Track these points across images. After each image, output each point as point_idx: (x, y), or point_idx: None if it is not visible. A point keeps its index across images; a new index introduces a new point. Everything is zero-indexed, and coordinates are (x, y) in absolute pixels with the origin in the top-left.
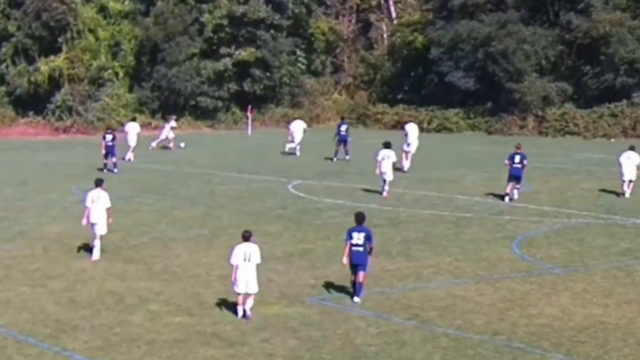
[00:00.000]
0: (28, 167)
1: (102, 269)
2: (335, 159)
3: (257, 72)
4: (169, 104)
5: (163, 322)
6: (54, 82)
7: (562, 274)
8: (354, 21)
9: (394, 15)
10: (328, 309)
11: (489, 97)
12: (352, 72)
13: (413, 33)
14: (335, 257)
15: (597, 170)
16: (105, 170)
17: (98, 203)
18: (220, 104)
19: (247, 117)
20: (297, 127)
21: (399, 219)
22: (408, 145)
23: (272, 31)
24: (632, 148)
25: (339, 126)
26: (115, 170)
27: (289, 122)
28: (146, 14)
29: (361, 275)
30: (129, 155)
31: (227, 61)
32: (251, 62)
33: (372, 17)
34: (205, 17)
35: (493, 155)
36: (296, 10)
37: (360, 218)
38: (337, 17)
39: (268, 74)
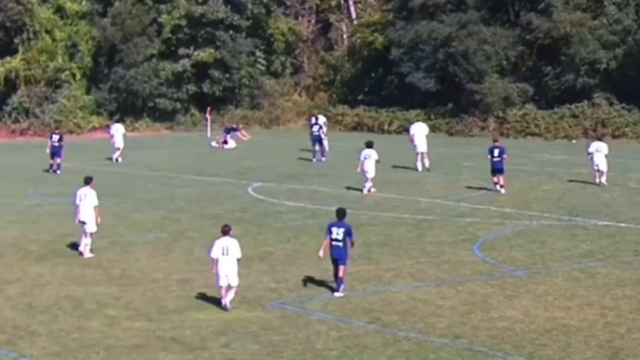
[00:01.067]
0: None
1: (60, 273)
2: (315, 160)
3: (216, 73)
4: (127, 106)
5: (122, 327)
6: (10, 84)
7: (523, 277)
8: (313, 22)
9: (353, 15)
10: (289, 313)
11: (449, 98)
12: (312, 73)
13: (373, 34)
14: (296, 260)
15: (559, 171)
16: (50, 171)
17: (85, 201)
18: (179, 105)
19: (207, 119)
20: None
21: (360, 221)
22: (420, 146)
23: (231, 32)
24: (599, 139)
25: (311, 126)
26: (59, 172)
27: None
28: (103, 14)
29: (341, 269)
30: (116, 155)
31: (186, 62)
32: (210, 63)
33: (332, 18)
34: (164, 18)
35: (454, 157)
36: (255, 11)
37: (341, 213)
38: (296, 18)
39: (227, 75)
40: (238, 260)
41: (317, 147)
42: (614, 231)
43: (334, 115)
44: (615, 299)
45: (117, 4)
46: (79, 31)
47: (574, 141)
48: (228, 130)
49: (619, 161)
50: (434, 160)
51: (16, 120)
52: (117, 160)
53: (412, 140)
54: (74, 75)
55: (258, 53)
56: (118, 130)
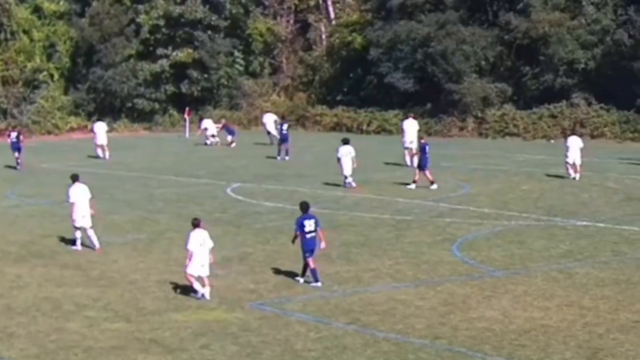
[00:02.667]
0: None
1: (38, 274)
2: (279, 158)
3: (194, 74)
4: (105, 106)
5: (101, 329)
6: None
7: (502, 277)
8: (292, 22)
9: (332, 15)
10: (268, 314)
11: (428, 98)
12: (291, 73)
13: (352, 34)
14: (275, 261)
15: (537, 171)
16: (18, 167)
17: (83, 196)
18: (157, 106)
19: (185, 119)
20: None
21: (339, 222)
22: (411, 142)
23: (209, 32)
24: (575, 133)
25: (281, 125)
26: (19, 167)
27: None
28: (81, 14)
29: (312, 260)
30: (104, 154)
31: (164, 62)
32: (188, 63)
33: (311, 18)
34: (142, 18)
35: (433, 157)
36: (234, 11)
37: (306, 206)
38: (275, 18)
39: (205, 76)
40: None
41: (283, 146)
42: (592, 231)
43: (313, 115)
44: (594, 299)
45: (95, 4)
46: (57, 31)
47: (552, 141)
48: (229, 130)
49: (597, 161)
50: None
51: None
52: (104, 157)
53: (403, 135)
54: (51, 76)
55: (236, 53)
56: (101, 128)
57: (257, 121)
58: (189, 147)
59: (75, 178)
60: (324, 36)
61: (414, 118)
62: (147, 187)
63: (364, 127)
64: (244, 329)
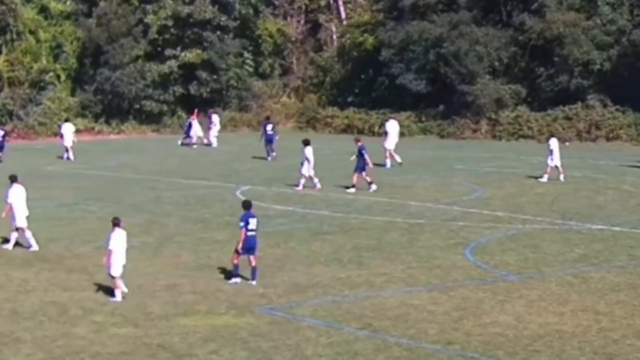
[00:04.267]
0: None
1: (45, 279)
2: (269, 159)
3: (203, 75)
4: (112, 108)
5: (108, 334)
6: None
7: (516, 281)
8: (302, 22)
9: (343, 16)
10: (278, 319)
11: (441, 99)
12: (301, 74)
13: (363, 34)
14: (285, 265)
15: (552, 174)
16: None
17: (21, 197)
18: (165, 107)
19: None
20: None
21: (350, 225)
22: (392, 143)
23: (218, 32)
24: (553, 136)
25: (265, 126)
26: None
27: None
28: (88, 14)
29: (254, 259)
30: (69, 155)
31: (173, 63)
32: (197, 64)
33: (322, 18)
34: (150, 18)
35: (445, 160)
36: (243, 11)
37: (249, 204)
38: (285, 18)
39: (215, 77)
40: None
41: (270, 147)
42: (608, 235)
43: (324, 117)
44: (610, 304)
45: (102, 4)
46: (64, 32)
47: (567, 144)
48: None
49: (613, 164)
50: (426, 163)
51: None
52: (68, 158)
53: (386, 137)
54: (58, 77)
55: (246, 54)
56: (68, 129)
57: None
58: (198, 149)
59: (13, 179)
60: (334, 37)
61: (395, 119)
62: (155, 190)
63: (376, 129)
64: (254, 334)
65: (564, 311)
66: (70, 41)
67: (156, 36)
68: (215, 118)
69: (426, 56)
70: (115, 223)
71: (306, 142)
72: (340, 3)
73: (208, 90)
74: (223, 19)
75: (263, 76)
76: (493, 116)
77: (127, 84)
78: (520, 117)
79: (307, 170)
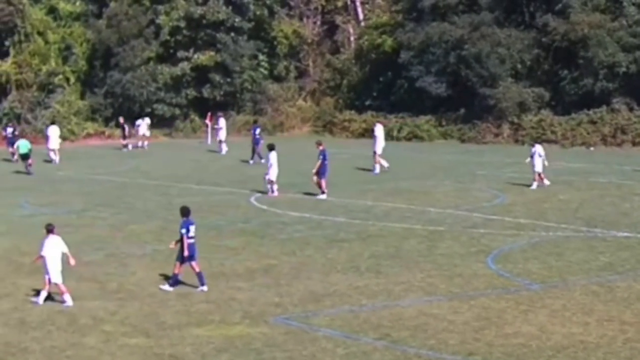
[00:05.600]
0: None
1: (54, 287)
2: (252, 162)
3: (216, 78)
4: (123, 111)
5: (118, 344)
6: (1, 89)
7: (539, 290)
8: (319, 23)
9: (361, 17)
10: (293, 329)
11: (461, 103)
12: (318, 77)
13: (381, 36)
14: (301, 273)
15: (576, 180)
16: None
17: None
18: (177, 111)
19: (207, 125)
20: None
21: (368, 232)
22: (380, 147)
23: (232, 34)
24: (538, 142)
25: (253, 130)
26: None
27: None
28: (99, 15)
29: (197, 265)
30: (55, 158)
31: (185, 66)
32: (210, 66)
33: (338, 19)
34: (162, 19)
35: (466, 165)
36: (258, 12)
37: (188, 210)
38: (301, 19)
39: (228, 80)
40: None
41: (257, 150)
42: (634, 242)
43: (341, 121)
44: (636, 314)
45: (112, 4)
46: (73, 33)
47: (592, 148)
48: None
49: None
50: (446, 168)
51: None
52: (55, 162)
53: (375, 139)
54: (67, 80)
55: (261, 56)
56: (54, 131)
57: (283, 127)
58: (211, 154)
59: (50, 229)
60: (352, 38)
61: (382, 124)
62: (167, 196)
63: (395, 134)
64: (269, 345)
65: (589, 321)
66: (79, 43)
67: (168, 38)
68: (221, 122)
69: (446, 58)
70: (49, 229)
71: (271, 147)
72: (358, 4)
73: (221, 93)
74: (237, 20)
75: (278, 79)
76: (515, 120)
77: (138, 86)
78: (544, 121)
79: (273, 174)
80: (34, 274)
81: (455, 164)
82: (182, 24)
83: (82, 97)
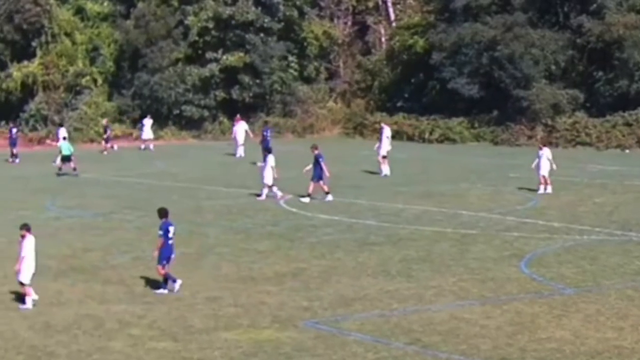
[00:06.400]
0: (0, 181)
1: (80, 291)
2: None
3: (246, 79)
4: (151, 113)
5: (145, 348)
6: (28, 90)
7: (573, 295)
8: (349, 24)
9: (392, 17)
10: (323, 333)
11: (494, 105)
12: (348, 78)
13: (413, 36)
14: (331, 277)
15: (611, 183)
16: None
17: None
18: (206, 113)
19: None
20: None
21: (399, 236)
22: (386, 149)
23: (262, 35)
24: (545, 145)
25: (265, 131)
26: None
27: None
28: (126, 16)
29: (169, 267)
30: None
31: (214, 67)
32: (239, 67)
33: (370, 20)
34: (190, 20)
35: (499, 168)
36: (288, 13)
37: (166, 212)
38: (331, 20)
39: (258, 81)
40: None
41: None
42: None
43: (372, 123)
44: None
45: (140, 5)
46: (101, 34)
47: (627, 151)
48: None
49: None
50: (478, 171)
51: (34, 128)
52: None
53: (380, 142)
54: (95, 81)
55: (290, 57)
56: (63, 134)
57: (313, 129)
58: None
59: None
60: (383, 39)
61: (387, 125)
62: (195, 199)
63: (426, 136)
64: (298, 349)
65: (624, 326)
66: (107, 44)
67: (197, 38)
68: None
69: (479, 59)
70: (27, 229)
71: (269, 150)
72: (390, 4)
73: (251, 94)
74: (266, 20)
75: (308, 80)
76: (549, 122)
77: (167, 88)
78: (578, 123)
79: (269, 178)
80: (60, 277)
81: (488, 166)
82: (211, 24)
83: (110, 98)
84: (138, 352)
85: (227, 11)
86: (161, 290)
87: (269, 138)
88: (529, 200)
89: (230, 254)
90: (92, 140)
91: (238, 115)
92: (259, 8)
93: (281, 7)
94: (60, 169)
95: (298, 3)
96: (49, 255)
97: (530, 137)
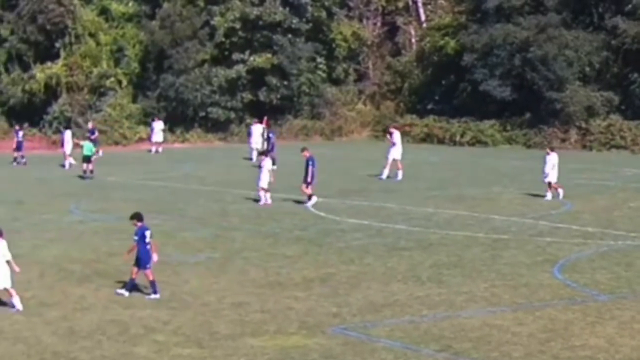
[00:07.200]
0: (22, 184)
1: (104, 296)
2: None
3: (273, 80)
4: (176, 115)
5: (171, 354)
6: (51, 91)
7: (608, 301)
8: (379, 25)
9: (423, 18)
10: (352, 340)
11: (527, 107)
12: (378, 80)
13: (444, 37)
14: (360, 282)
15: None
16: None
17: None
18: (232, 115)
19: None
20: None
21: (429, 241)
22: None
23: (289, 35)
24: (552, 149)
25: (270, 134)
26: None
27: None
28: (152, 16)
29: (151, 272)
30: (72, 162)
31: (241, 68)
32: (267, 69)
33: (399, 21)
34: (216, 20)
35: (532, 171)
36: (316, 14)
37: (141, 216)
38: (360, 21)
39: (285, 82)
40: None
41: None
42: None
43: (402, 125)
44: None
45: (166, 5)
46: (125, 34)
47: None
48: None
49: None
50: (511, 174)
51: (57, 131)
52: (67, 165)
53: (393, 145)
54: (119, 82)
55: (319, 59)
56: (69, 136)
57: (341, 132)
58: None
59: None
60: (413, 40)
61: (397, 128)
62: (221, 202)
63: (457, 139)
64: (326, 356)
65: None
66: (132, 44)
67: (223, 39)
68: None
69: (511, 61)
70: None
71: (264, 152)
72: (420, 4)
73: (278, 96)
74: (294, 21)
75: (337, 82)
76: (583, 125)
77: (192, 90)
78: (613, 126)
79: (265, 182)
80: (84, 282)
81: (521, 170)
82: (238, 25)
83: (134, 100)
84: (163, 358)
85: (254, 11)
86: (122, 291)
87: (273, 140)
88: (562, 205)
89: (258, 259)
90: (116, 143)
91: (265, 118)
92: (287, 8)
93: (309, 8)
94: (85, 171)
95: (326, 3)
96: (73, 260)
97: (563, 140)
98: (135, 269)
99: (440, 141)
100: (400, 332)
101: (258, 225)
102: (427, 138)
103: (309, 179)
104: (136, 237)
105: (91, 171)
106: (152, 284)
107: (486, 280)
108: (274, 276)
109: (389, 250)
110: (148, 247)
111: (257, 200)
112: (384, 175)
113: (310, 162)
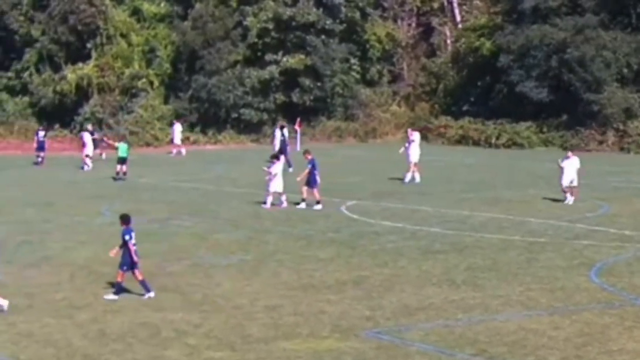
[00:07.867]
0: (53, 186)
1: (135, 298)
2: (291, 169)
3: (306, 82)
4: (209, 116)
5: (202, 358)
6: (82, 92)
7: None
8: (414, 25)
9: (458, 19)
10: (385, 344)
11: (564, 109)
12: (412, 81)
13: (480, 38)
14: (394, 285)
15: None
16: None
17: None
18: (265, 116)
19: (296, 131)
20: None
21: (464, 244)
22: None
23: (323, 36)
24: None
25: (283, 136)
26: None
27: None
28: (184, 17)
29: (140, 272)
30: (90, 164)
31: (274, 69)
32: (300, 70)
33: (434, 21)
34: (249, 21)
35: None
36: (349, 14)
37: (128, 218)
38: (395, 22)
39: (319, 84)
40: None
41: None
42: None
43: (437, 127)
44: None
45: (198, 5)
46: (157, 35)
47: None
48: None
49: None
50: (547, 177)
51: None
52: (86, 166)
53: (408, 147)
54: (151, 83)
55: (352, 60)
56: (89, 138)
57: (375, 133)
58: (300, 161)
59: None
60: (449, 41)
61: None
62: (254, 205)
63: (493, 141)
64: None
65: None
66: (164, 45)
67: (256, 40)
68: (277, 133)
69: (548, 62)
70: None
71: (275, 156)
72: (455, 5)
73: (311, 98)
74: (328, 22)
75: (371, 83)
76: (621, 127)
77: (225, 91)
78: None
79: (279, 186)
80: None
81: (557, 172)
82: (271, 25)
83: (166, 101)
84: None
85: (287, 12)
86: (111, 297)
87: (287, 142)
88: (599, 207)
89: (291, 261)
90: (148, 144)
91: (299, 119)
92: (321, 9)
93: (343, 9)
94: (117, 173)
95: (360, 4)
96: (104, 262)
97: (601, 142)
98: (121, 272)
99: (476, 143)
100: (434, 336)
101: (291, 228)
102: (462, 140)
103: (311, 181)
104: (127, 237)
105: (124, 173)
106: (143, 283)
107: (522, 284)
108: (307, 279)
109: (424, 253)
110: (136, 247)
111: (265, 203)
112: (408, 179)
113: (311, 165)
